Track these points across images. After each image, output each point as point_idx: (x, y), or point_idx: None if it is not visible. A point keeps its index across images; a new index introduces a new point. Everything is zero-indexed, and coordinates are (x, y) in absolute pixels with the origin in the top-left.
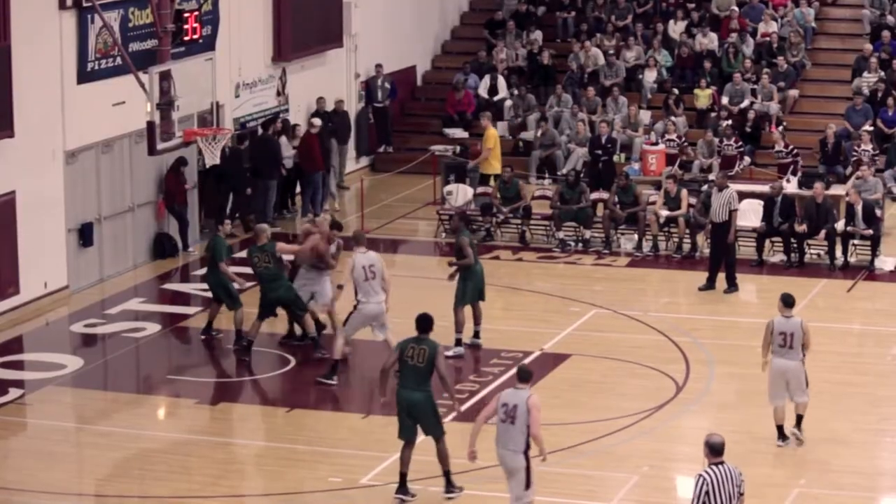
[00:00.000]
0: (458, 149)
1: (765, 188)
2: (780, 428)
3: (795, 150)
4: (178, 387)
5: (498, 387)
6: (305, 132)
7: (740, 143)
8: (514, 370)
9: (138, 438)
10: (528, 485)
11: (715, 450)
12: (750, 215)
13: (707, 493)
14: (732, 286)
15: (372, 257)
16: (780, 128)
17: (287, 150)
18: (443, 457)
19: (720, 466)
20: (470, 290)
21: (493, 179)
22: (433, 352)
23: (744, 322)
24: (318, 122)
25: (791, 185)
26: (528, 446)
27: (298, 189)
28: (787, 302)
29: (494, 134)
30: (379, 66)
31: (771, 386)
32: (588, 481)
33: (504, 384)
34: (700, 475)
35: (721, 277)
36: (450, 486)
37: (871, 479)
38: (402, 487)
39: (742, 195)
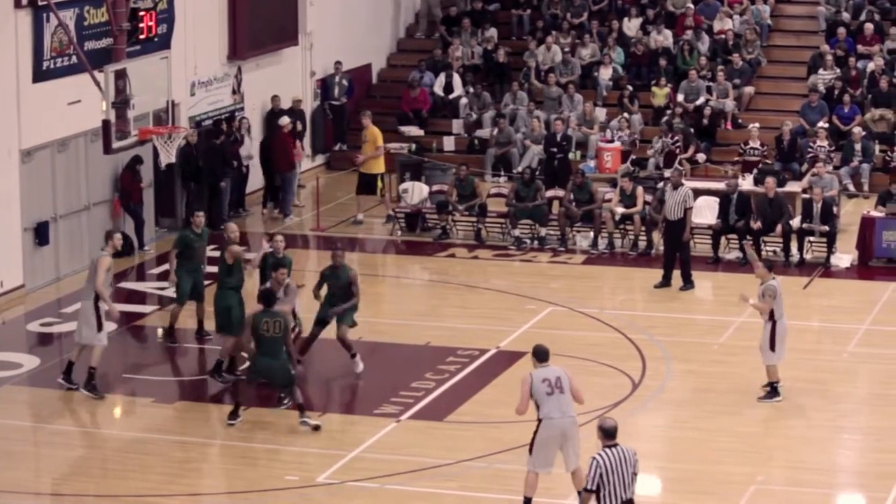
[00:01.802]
0: (413, 146)
1: (720, 185)
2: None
3: (766, 149)
4: (134, 385)
5: (455, 384)
6: (277, 130)
7: (676, 139)
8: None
9: (95, 437)
10: None
11: (608, 434)
12: (705, 212)
13: (601, 474)
14: (688, 283)
15: None
16: (755, 125)
17: (248, 149)
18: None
19: (614, 449)
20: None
21: (380, 180)
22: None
23: (700, 319)
24: (286, 120)
25: (747, 182)
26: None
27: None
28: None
29: (379, 132)
30: (338, 63)
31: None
32: (545, 478)
33: (461, 381)
34: (594, 457)
35: (676, 275)
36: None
37: (828, 475)
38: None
39: (697, 192)
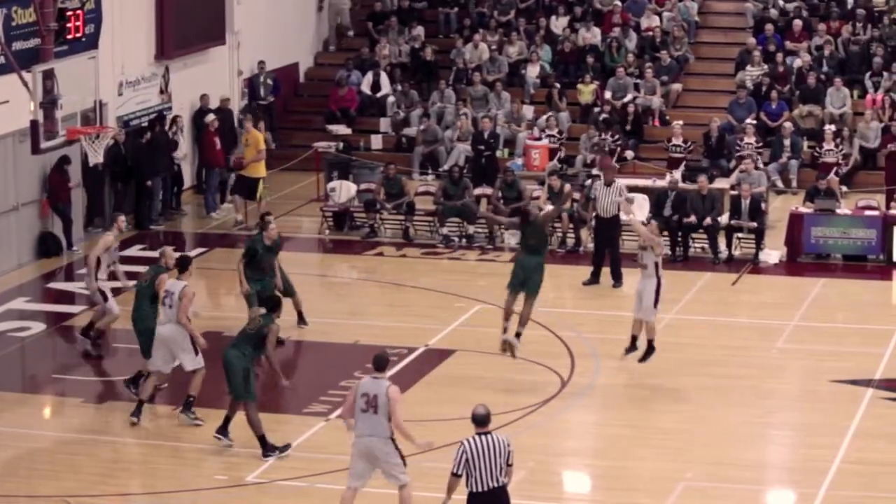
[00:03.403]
0: (341, 145)
1: (648, 182)
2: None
3: (692, 145)
4: (63, 386)
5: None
6: (204, 129)
7: (617, 136)
8: (401, 365)
9: (24, 437)
10: (404, 464)
11: (477, 421)
12: (635, 209)
13: (467, 460)
14: (618, 281)
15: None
16: (679, 122)
17: (182, 148)
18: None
19: (484, 436)
20: None
21: (261, 184)
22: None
23: (628, 316)
24: (212, 117)
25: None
26: (392, 433)
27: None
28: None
29: (261, 136)
30: (262, 62)
31: None
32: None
33: (391, 380)
34: (461, 442)
35: (605, 272)
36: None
37: (757, 471)
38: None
39: (629, 189)
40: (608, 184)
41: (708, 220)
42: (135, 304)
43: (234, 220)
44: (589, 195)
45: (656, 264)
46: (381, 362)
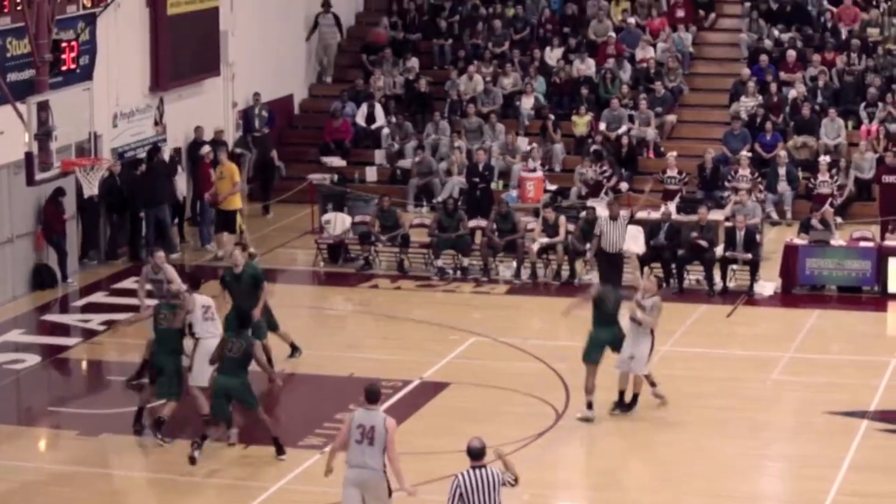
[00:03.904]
0: (336, 177)
1: (644, 214)
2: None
3: (686, 177)
4: (59, 418)
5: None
6: (199, 161)
7: (604, 168)
8: (396, 398)
9: (20, 470)
10: (390, 494)
11: (472, 454)
12: (628, 241)
13: (461, 495)
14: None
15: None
16: (673, 154)
17: (180, 180)
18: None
19: (479, 470)
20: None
21: (239, 216)
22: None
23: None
24: (207, 149)
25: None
26: (386, 467)
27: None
28: None
29: (236, 168)
30: (256, 94)
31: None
32: None
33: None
34: (455, 476)
35: None
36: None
37: (753, 503)
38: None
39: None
40: (613, 218)
41: (703, 243)
42: (159, 346)
43: (215, 255)
44: (584, 228)
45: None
46: (373, 395)
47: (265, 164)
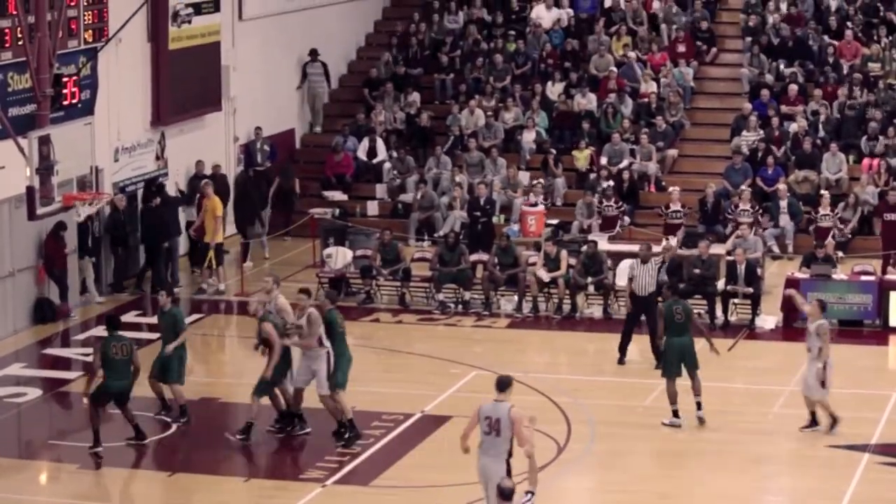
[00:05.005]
0: (337, 211)
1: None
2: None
3: (689, 211)
4: (60, 452)
5: (380, 449)
6: (199, 196)
7: (620, 203)
8: (397, 431)
9: None
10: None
11: (504, 495)
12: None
13: None
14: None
15: None
16: (676, 188)
17: (189, 215)
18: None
19: None
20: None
21: (211, 250)
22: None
23: (625, 382)
24: (206, 183)
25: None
26: (510, 454)
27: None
28: None
29: (219, 202)
30: (258, 128)
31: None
32: None
33: (387, 446)
34: None
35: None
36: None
37: None
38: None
39: (622, 256)
40: (645, 261)
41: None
42: None
43: (216, 290)
44: (585, 262)
45: (819, 349)
46: (501, 384)
47: (286, 194)
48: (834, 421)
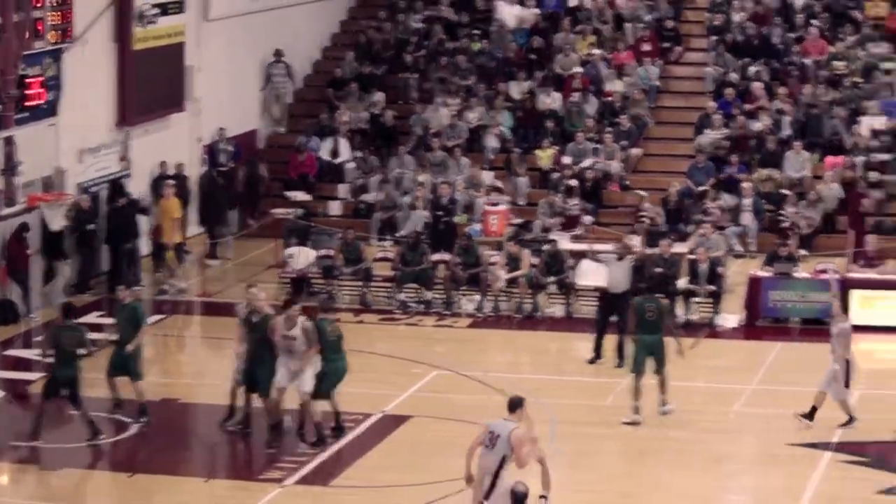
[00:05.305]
0: (300, 211)
1: (607, 247)
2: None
3: (655, 216)
4: (21, 453)
5: (340, 449)
6: (161, 196)
7: (583, 202)
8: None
9: None
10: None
11: (518, 499)
12: (588, 275)
13: None
14: (623, 360)
15: None
16: (643, 192)
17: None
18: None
19: None
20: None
21: (170, 252)
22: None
23: (587, 381)
24: (170, 183)
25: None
26: (500, 467)
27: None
28: None
29: (177, 204)
30: (222, 129)
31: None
32: None
33: (347, 446)
34: None
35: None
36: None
37: None
38: None
39: (584, 255)
40: (620, 258)
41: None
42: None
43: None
44: (547, 261)
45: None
46: (511, 404)
47: (253, 181)
48: (851, 419)
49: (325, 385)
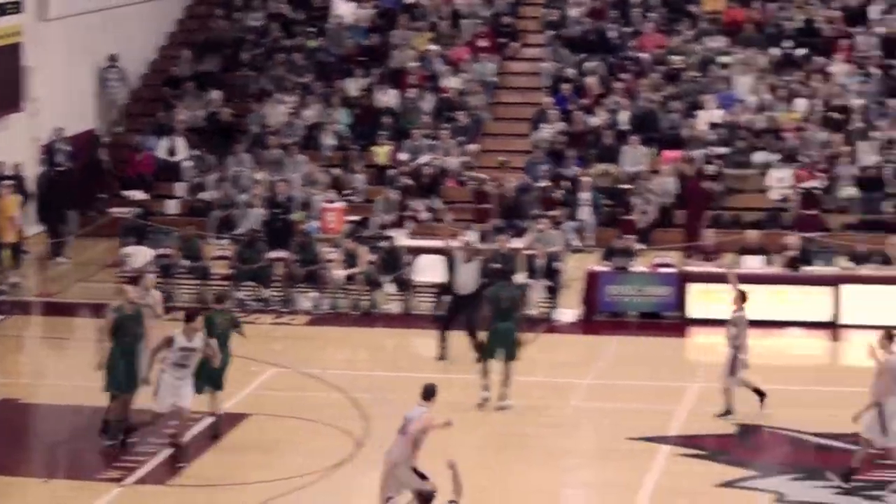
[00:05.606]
0: (138, 210)
1: (442, 243)
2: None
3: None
4: None
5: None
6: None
7: (420, 198)
8: (195, 430)
9: None
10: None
11: (427, 392)
12: (427, 271)
13: None
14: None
15: None
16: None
17: None
18: None
19: None
20: None
21: (3, 250)
22: None
23: (425, 377)
24: (7, 183)
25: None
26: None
27: None
28: None
29: (13, 202)
30: (59, 129)
31: None
32: None
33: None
34: None
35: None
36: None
37: None
38: None
39: (422, 250)
40: (468, 260)
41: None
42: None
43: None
44: (385, 258)
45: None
46: (426, 392)
47: (93, 166)
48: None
49: (214, 377)
